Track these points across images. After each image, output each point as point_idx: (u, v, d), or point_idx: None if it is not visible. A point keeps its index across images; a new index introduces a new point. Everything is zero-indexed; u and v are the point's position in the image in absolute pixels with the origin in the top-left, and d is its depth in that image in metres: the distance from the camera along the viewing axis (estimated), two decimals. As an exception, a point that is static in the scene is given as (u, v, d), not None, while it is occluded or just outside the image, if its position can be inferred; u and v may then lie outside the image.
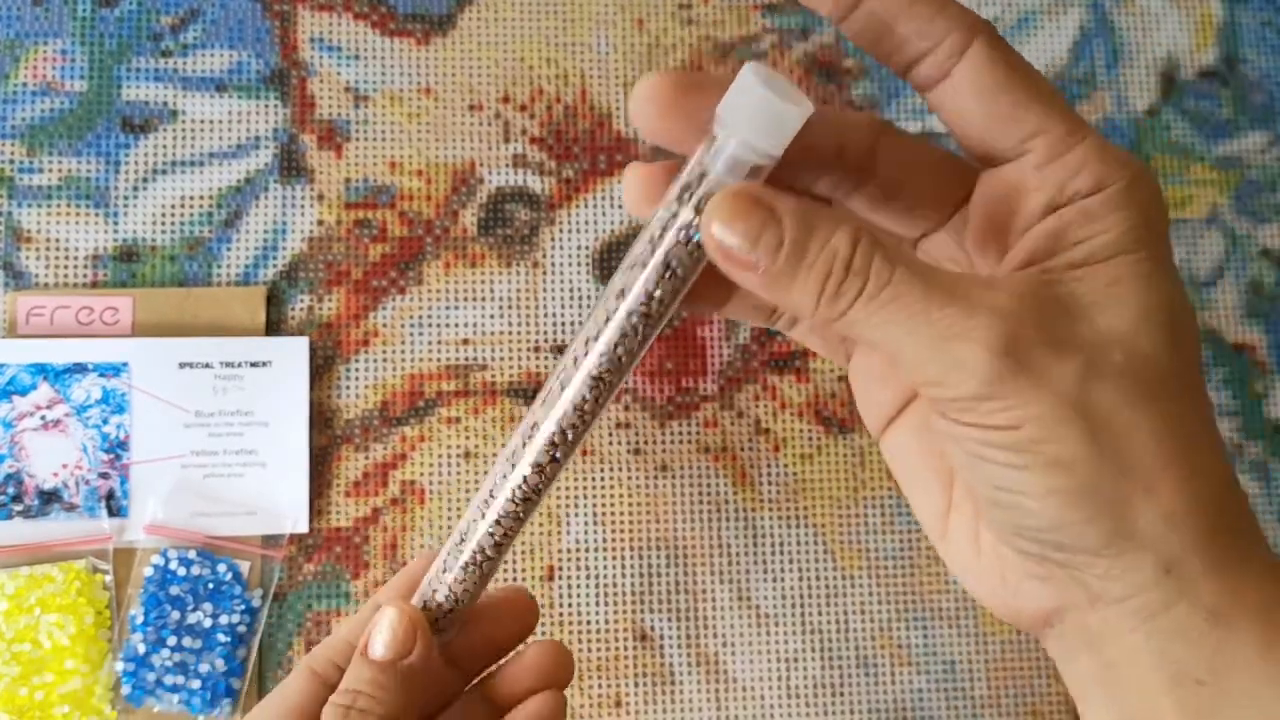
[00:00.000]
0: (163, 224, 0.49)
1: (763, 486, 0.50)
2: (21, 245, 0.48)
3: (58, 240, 0.48)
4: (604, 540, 0.49)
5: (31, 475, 0.44)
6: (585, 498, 0.49)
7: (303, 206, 0.50)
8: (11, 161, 0.49)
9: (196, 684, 0.42)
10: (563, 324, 0.50)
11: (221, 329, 0.46)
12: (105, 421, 0.45)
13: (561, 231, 0.51)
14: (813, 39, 0.54)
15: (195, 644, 0.43)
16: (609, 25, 0.53)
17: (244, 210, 0.49)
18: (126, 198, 0.49)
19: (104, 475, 0.44)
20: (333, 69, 0.51)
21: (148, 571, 0.43)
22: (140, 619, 0.43)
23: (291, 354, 0.47)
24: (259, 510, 0.45)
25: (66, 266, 0.48)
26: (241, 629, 0.43)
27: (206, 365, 0.45)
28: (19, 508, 0.44)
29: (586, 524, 0.49)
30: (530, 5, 0.53)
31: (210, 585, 0.44)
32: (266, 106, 0.50)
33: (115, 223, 0.49)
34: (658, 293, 0.23)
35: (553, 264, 0.51)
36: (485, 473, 0.48)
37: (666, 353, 0.50)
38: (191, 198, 0.49)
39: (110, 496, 0.44)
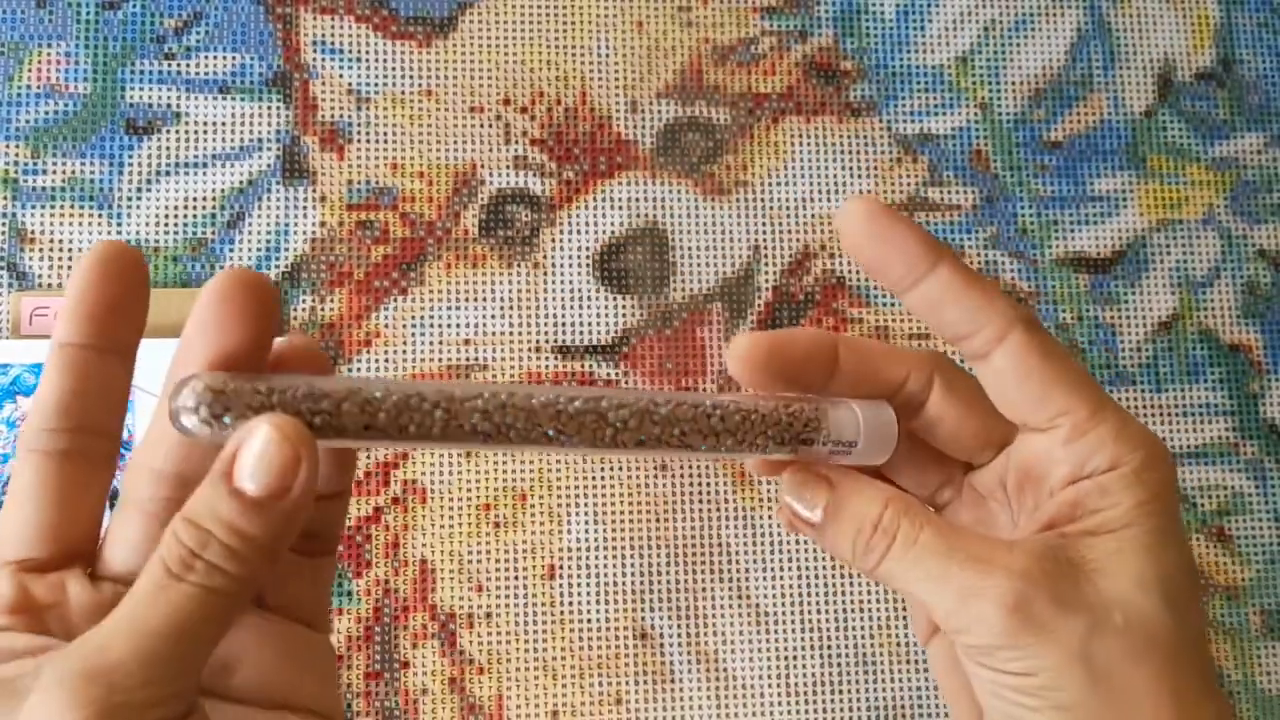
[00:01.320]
0: (166, 225, 0.49)
1: (762, 485, 0.50)
2: (25, 246, 0.48)
3: (61, 241, 0.49)
4: (604, 539, 0.49)
5: None
6: (585, 497, 0.49)
7: (305, 208, 0.50)
8: (16, 163, 0.49)
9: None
10: (563, 324, 0.51)
11: None
12: None
13: (562, 232, 0.51)
14: (811, 41, 0.55)
15: None
16: (609, 28, 0.54)
17: (247, 211, 0.50)
18: (130, 199, 0.49)
19: None
20: (335, 71, 0.51)
21: None
22: None
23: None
24: None
25: (70, 267, 0.48)
26: None
27: None
28: None
29: (587, 523, 0.49)
30: (531, 8, 0.53)
31: None
32: (269, 108, 0.51)
33: (119, 224, 0.49)
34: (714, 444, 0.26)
35: (553, 265, 0.51)
36: (486, 473, 0.49)
37: (666, 352, 0.51)
38: (194, 199, 0.50)
39: (113, 496, 0.45)
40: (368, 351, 0.49)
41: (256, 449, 0.20)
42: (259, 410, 0.21)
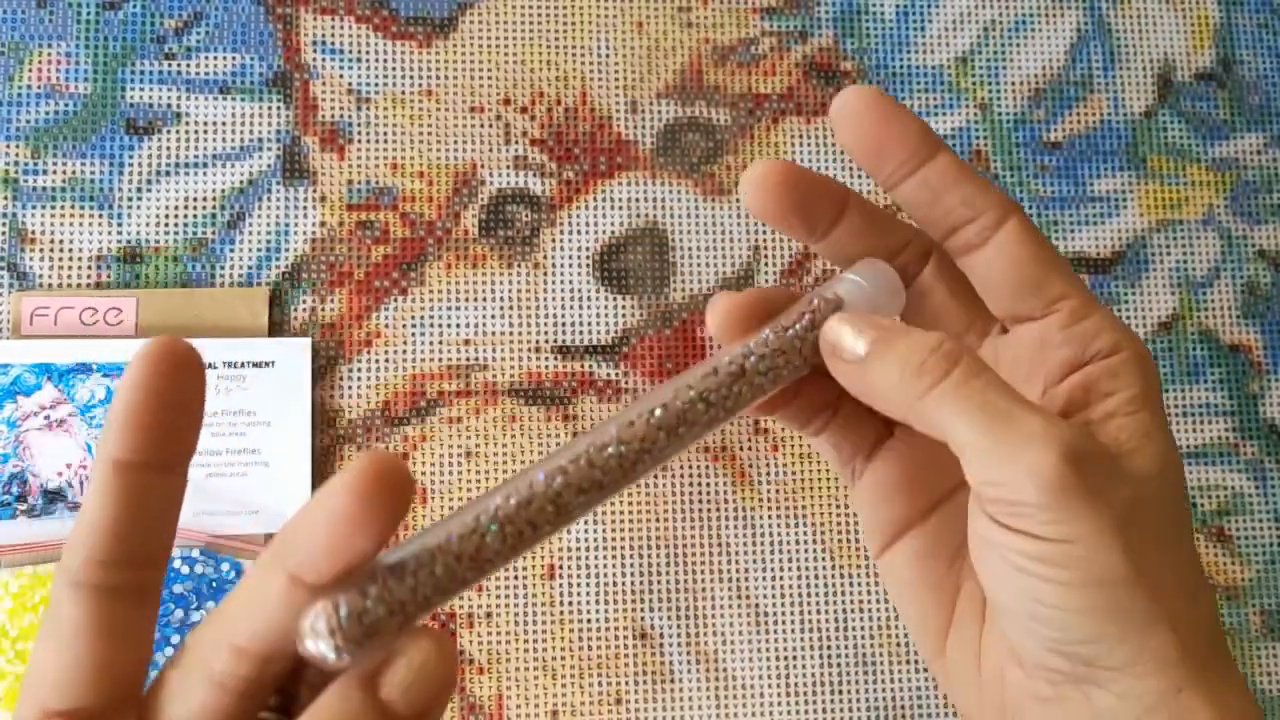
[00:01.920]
0: (166, 225, 0.49)
1: (762, 485, 0.50)
2: (26, 246, 0.48)
3: (62, 241, 0.49)
4: (604, 539, 0.49)
5: (36, 475, 0.44)
6: (586, 497, 0.49)
7: (305, 208, 0.50)
8: (16, 163, 0.49)
9: None
10: (563, 324, 0.51)
11: (225, 330, 0.47)
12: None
13: (562, 233, 0.51)
14: (811, 42, 0.55)
15: None
16: (609, 28, 0.54)
17: (247, 212, 0.50)
18: (130, 199, 0.49)
19: None
20: (335, 71, 0.51)
21: None
22: None
23: (294, 354, 0.47)
24: (262, 510, 0.45)
25: (70, 268, 0.48)
26: None
27: (210, 365, 0.46)
28: (23, 507, 0.44)
29: (586, 523, 0.49)
30: (531, 8, 0.53)
31: (214, 584, 0.44)
32: (269, 109, 0.51)
33: (119, 224, 0.49)
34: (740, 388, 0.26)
35: (553, 265, 0.51)
36: (486, 473, 0.49)
37: (666, 353, 0.51)
38: (195, 199, 0.50)
39: None
40: (368, 352, 0.49)
41: (416, 665, 0.19)
42: (395, 627, 0.20)
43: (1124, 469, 0.23)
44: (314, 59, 0.52)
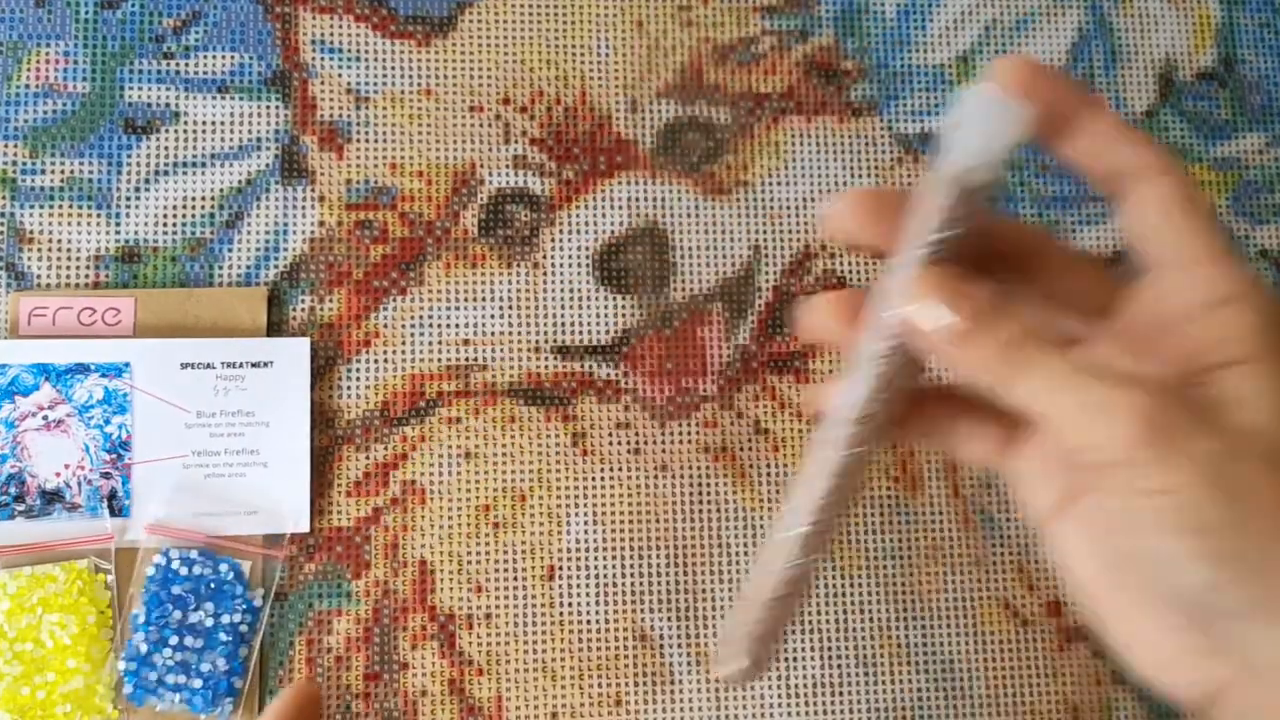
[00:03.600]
0: (164, 225, 0.49)
1: (762, 486, 0.50)
2: (24, 246, 0.48)
3: (60, 241, 0.48)
4: (604, 540, 0.49)
5: (34, 475, 0.44)
6: (585, 498, 0.49)
7: (304, 208, 0.50)
8: (14, 163, 0.49)
9: (198, 683, 0.42)
10: (563, 324, 0.50)
11: (223, 330, 0.47)
12: (107, 422, 0.45)
13: (561, 232, 0.51)
14: (812, 41, 0.54)
15: (197, 643, 0.43)
16: (609, 27, 0.53)
17: (245, 211, 0.50)
18: (128, 199, 0.49)
19: (106, 475, 0.45)
20: (334, 71, 0.51)
21: (150, 571, 0.43)
22: (142, 618, 0.43)
23: (293, 354, 0.47)
24: (260, 510, 0.45)
25: (69, 267, 0.48)
26: (243, 628, 0.44)
27: (208, 366, 0.46)
28: (21, 508, 0.44)
29: (586, 524, 0.49)
30: (530, 7, 0.53)
31: (212, 585, 0.44)
32: (268, 108, 0.51)
33: (117, 224, 0.49)
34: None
35: (553, 265, 0.51)
36: (485, 473, 0.49)
37: (666, 353, 0.50)
38: (193, 199, 0.50)
39: (112, 496, 0.44)
40: (367, 351, 0.49)
41: None
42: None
43: (1220, 420, 0.23)
44: (312, 58, 0.51)
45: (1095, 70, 0.56)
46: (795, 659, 0.49)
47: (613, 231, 0.51)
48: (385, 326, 0.49)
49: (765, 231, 0.52)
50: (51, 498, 0.44)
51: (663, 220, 0.52)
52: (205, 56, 0.51)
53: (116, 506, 0.44)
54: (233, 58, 0.51)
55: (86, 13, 0.51)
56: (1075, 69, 0.56)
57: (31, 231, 0.48)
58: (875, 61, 0.55)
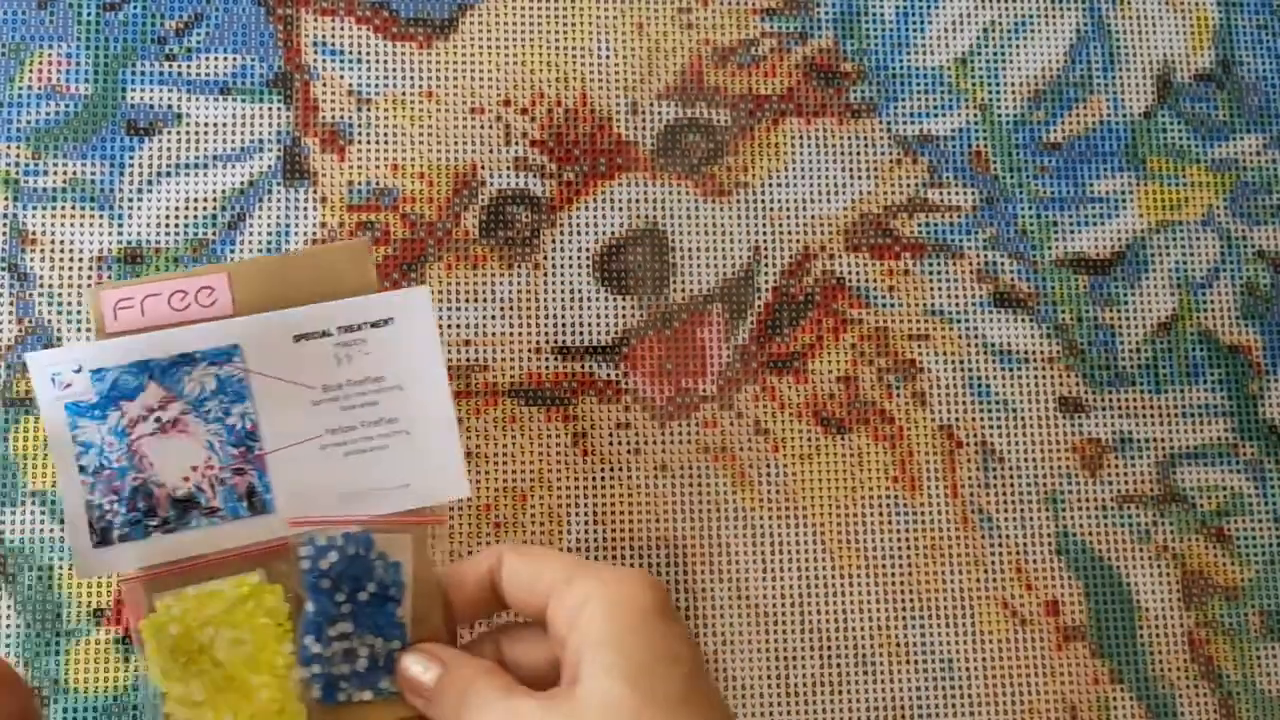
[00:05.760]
0: (167, 226, 0.49)
1: (762, 486, 0.50)
2: (26, 247, 0.48)
3: (62, 243, 0.49)
4: (604, 540, 0.49)
5: (160, 484, 0.40)
6: (585, 498, 0.49)
7: (306, 209, 0.50)
8: (16, 164, 0.49)
9: (381, 668, 0.39)
10: (564, 325, 0.51)
11: (329, 292, 0.41)
12: (227, 413, 0.40)
13: (562, 233, 0.51)
14: (811, 43, 0.55)
15: (368, 628, 0.39)
16: (609, 29, 0.54)
17: (248, 213, 0.50)
18: (131, 200, 0.49)
19: (239, 471, 0.40)
20: (336, 72, 0.52)
21: (304, 565, 0.39)
22: (311, 616, 0.39)
23: (413, 306, 0.41)
24: (412, 481, 0.40)
25: (71, 269, 0.48)
26: (401, 609, 0.40)
27: (324, 334, 0.40)
28: (154, 522, 0.39)
29: (586, 524, 0.49)
30: (531, 9, 0.53)
31: (373, 567, 0.39)
32: (270, 110, 0.51)
33: (119, 225, 0.49)
34: None
35: (554, 266, 0.51)
36: (487, 473, 0.49)
37: (666, 353, 0.51)
38: (195, 200, 0.50)
39: (251, 493, 0.40)
40: (368, 352, 0.49)
41: None
42: None
43: (564, 706, 0.31)
44: (314, 60, 0.52)
45: (1093, 72, 0.56)
46: (795, 658, 0.49)
47: (613, 233, 0.51)
48: (387, 327, 0.49)
49: (765, 232, 0.52)
50: (185, 506, 0.39)
51: (663, 221, 0.52)
52: (207, 58, 0.51)
53: (257, 503, 0.40)
54: (235, 59, 0.51)
55: (89, 14, 0.51)
56: (1073, 70, 0.56)
57: (34, 233, 0.49)
58: (874, 63, 0.55)
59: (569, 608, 0.33)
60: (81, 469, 0.38)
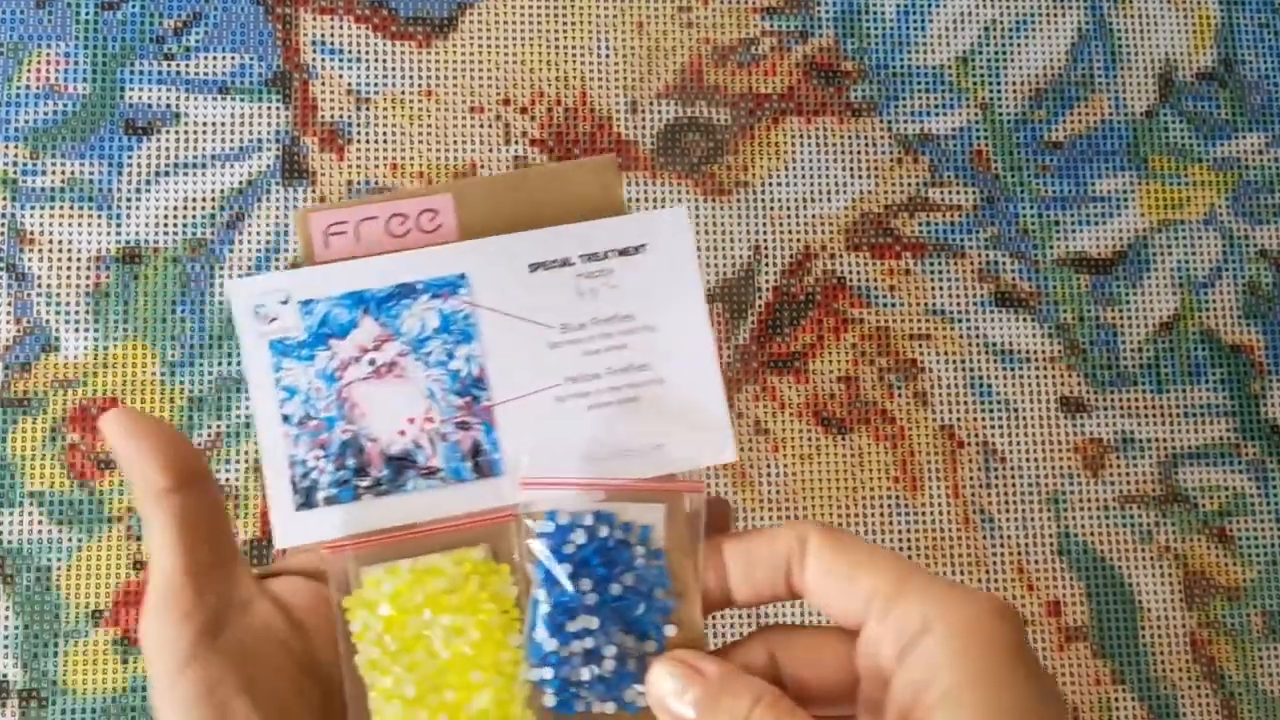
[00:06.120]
0: (165, 225, 0.49)
1: (762, 486, 0.50)
2: (25, 247, 0.48)
3: (61, 242, 0.48)
4: (604, 540, 0.49)
5: (373, 439, 0.33)
6: (586, 498, 0.49)
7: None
8: (15, 164, 0.49)
9: (631, 673, 0.32)
10: (563, 325, 0.50)
11: (572, 213, 0.35)
12: (451, 356, 0.34)
13: (562, 233, 0.51)
14: (811, 42, 0.54)
15: (619, 624, 0.32)
16: (609, 28, 0.53)
17: (246, 212, 0.50)
18: (129, 199, 0.49)
19: (462, 425, 0.33)
20: (334, 72, 0.51)
21: (541, 546, 0.32)
22: (545, 606, 0.32)
23: (670, 230, 0.35)
24: (667, 441, 0.34)
25: (69, 268, 0.48)
26: (660, 593, 0.33)
27: (564, 263, 0.34)
28: (365, 482, 0.33)
29: (587, 524, 0.49)
30: (531, 8, 0.53)
31: (622, 546, 0.33)
32: (269, 109, 0.51)
33: (118, 224, 0.49)
34: None
35: (553, 265, 0.51)
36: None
37: (666, 353, 0.51)
38: (194, 199, 0.50)
39: (476, 452, 0.33)
40: (367, 352, 0.49)
41: None
42: None
43: None
44: (313, 59, 0.51)
45: (1095, 71, 0.56)
46: (795, 659, 0.49)
47: (613, 232, 0.51)
48: (386, 327, 0.49)
49: (765, 231, 0.52)
50: (401, 464, 0.33)
51: (663, 221, 0.52)
52: (206, 57, 0.51)
53: (483, 464, 0.33)
54: (233, 59, 0.51)
55: (87, 14, 0.51)
56: (1075, 69, 0.56)
57: (32, 232, 0.48)
58: (875, 62, 0.55)
59: (900, 630, 0.25)
60: (285, 418, 0.32)
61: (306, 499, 0.32)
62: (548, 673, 0.31)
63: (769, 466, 0.50)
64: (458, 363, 0.33)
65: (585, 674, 0.31)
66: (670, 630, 0.31)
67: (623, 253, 0.34)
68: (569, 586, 0.32)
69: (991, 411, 0.52)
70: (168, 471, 0.28)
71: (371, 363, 0.33)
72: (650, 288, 0.34)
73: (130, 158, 0.50)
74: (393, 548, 0.32)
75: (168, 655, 0.28)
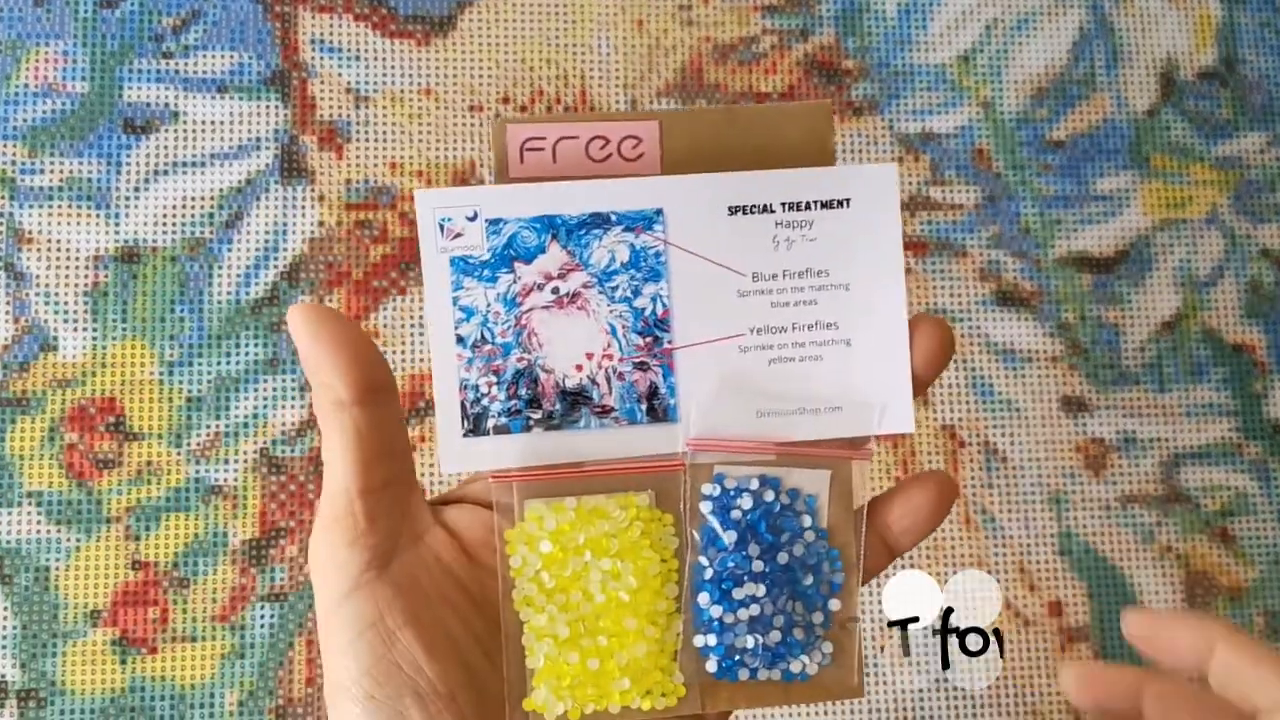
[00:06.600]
0: (164, 224, 0.49)
1: (763, 486, 0.50)
2: (23, 246, 0.48)
3: (59, 241, 0.48)
4: (604, 540, 0.49)
5: (548, 370, 0.32)
6: (586, 498, 0.49)
7: (303, 207, 0.50)
8: (13, 162, 0.49)
9: (799, 643, 0.31)
10: (563, 324, 0.50)
11: (775, 159, 0.33)
12: (637, 293, 0.32)
13: (562, 232, 0.51)
14: (812, 40, 0.54)
15: (788, 594, 0.32)
16: (609, 26, 0.53)
17: (245, 211, 0.50)
18: (128, 198, 0.49)
19: (641, 365, 0.32)
20: (333, 70, 0.51)
21: (706, 504, 0.32)
22: (710, 570, 0.31)
23: (876, 188, 0.33)
24: (846, 404, 0.33)
25: (67, 268, 0.48)
26: (824, 564, 0.32)
27: (765, 209, 0.33)
28: (537, 415, 0.32)
29: (587, 524, 0.49)
30: (530, 6, 0.53)
31: (788, 513, 0.32)
32: (267, 107, 0.51)
33: (116, 223, 0.49)
34: None
35: (553, 264, 0.51)
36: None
37: (667, 353, 0.50)
38: (192, 198, 0.49)
39: (652, 395, 0.32)
40: (366, 352, 0.49)
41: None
42: None
43: None
44: (312, 57, 0.51)
45: (1096, 70, 0.56)
46: (796, 659, 0.48)
47: (613, 231, 0.51)
48: (385, 326, 0.49)
49: (766, 231, 0.52)
50: (575, 400, 0.32)
51: (663, 220, 0.52)
52: (204, 56, 0.51)
53: (659, 407, 0.32)
54: (232, 57, 0.51)
55: (85, 12, 0.50)
56: (1077, 68, 0.56)
57: (30, 231, 0.48)
58: (876, 60, 0.54)
59: None
60: (460, 339, 0.31)
61: (476, 425, 0.31)
62: (711, 639, 0.30)
63: (769, 466, 0.50)
64: (643, 300, 0.32)
65: (750, 641, 0.31)
66: (834, 604, 0.31)
67: (825, 205, 0.33)
68: (736, 553, 0.31)
69: (993, 411, 0.52)
70: (351, 382, 0.27)
71: (555, 291, 0.32)
72: (849, 244, 0.33)
73: (128, 156, 0.49)
74: (558, 484, 0.31)
75: (334, 579, 0.27)
